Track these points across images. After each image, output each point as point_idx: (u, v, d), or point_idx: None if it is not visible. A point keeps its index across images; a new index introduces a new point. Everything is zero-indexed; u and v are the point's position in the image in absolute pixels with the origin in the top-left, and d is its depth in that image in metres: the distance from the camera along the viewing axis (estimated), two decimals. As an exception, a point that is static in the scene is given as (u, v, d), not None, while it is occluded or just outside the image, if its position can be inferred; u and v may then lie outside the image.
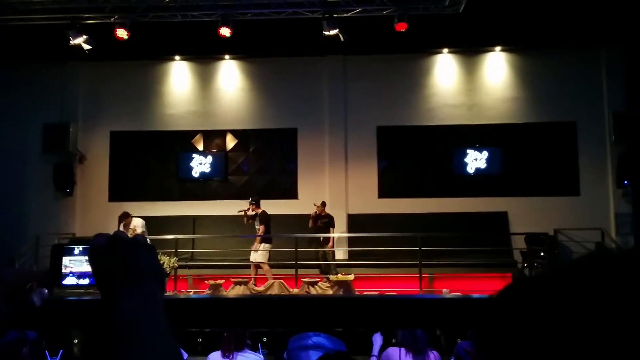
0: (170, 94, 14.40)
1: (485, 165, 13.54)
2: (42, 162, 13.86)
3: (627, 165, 12.87)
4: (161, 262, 9.94)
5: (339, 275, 10.95)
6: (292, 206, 13.32)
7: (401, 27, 11.50)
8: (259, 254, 11.22)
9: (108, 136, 14.29)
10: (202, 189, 14.09)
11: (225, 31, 11.67)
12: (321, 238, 11.92)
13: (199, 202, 13.78)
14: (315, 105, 13.98)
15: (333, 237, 11.92)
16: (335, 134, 13.87)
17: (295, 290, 10.77)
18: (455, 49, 13.92)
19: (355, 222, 13.42)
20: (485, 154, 13.55)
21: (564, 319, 0.48)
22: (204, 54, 14.13)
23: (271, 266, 11.42)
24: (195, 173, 14.04)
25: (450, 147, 13.62)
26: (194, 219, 13.57)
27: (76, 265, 1.01)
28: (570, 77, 13.49)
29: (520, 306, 0.52)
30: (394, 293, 10.93)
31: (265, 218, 11.37)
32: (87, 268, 0.93)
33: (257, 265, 11.34)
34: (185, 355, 4.76)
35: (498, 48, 13.91)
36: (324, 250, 11.90)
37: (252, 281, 11.18)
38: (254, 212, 11.38)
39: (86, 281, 1.00)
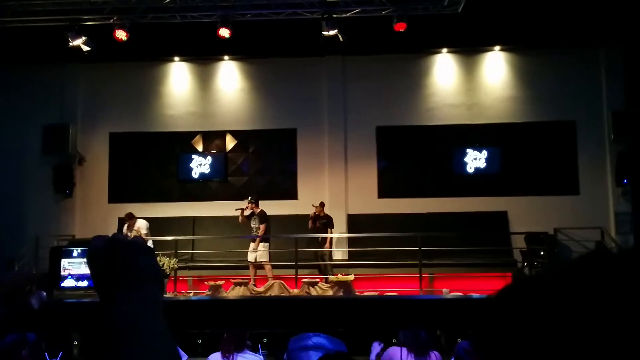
0: (169, 95, 14.40)
1: (485, 164, 13.54)
2: (41, 164, 13.86)
3: (627, 164, 12.89)
4: (161, 263, 9.96)
5: (339, 275, 10.95)
6: (292, 206, 13.33)
7: (400, 27, 11.51)
8: (260, 253, 11.23)
9: (107, 137, 14.29)
10: (202, 189, 14.09)
11: (224, 32, 11.66)
12: (319, 239, 11.92)
13: (198, 203, 13.78)
14: (314, 106, 13.98)
15: (330, 238, 11.92)
16: (335, 134, 13.88)
17: (296, 291, 10.77)
18: (455, 49, 13.92)
19: (355, 222, 13.42)
20: (484, 153, 13.55)
21: (563, 318, 0.48)
22: (204, 55, 14.13)
23: (271, 267, 11.44)
24: (195, 174, 14.04)
25: (449, 147, 13.63)
26: (194, 220, 13.57)
27: (75, 268, 1.01)
28: (569, 77, 13.50)
29: (519, 306, 0.52)
30: (394, 293, 10.94)
31: (265, 217, 11.37)
32: (86, 270, 0.92)
33: (256, 266, 11.34)
34: (185, 357, 4.76)
35: (497, 48, 13.91)
36: (322, 251, 11.90)
37: (251, 282, 11.18)
38: (250, 211, 11.36)
39: (85, 283, 0.99)
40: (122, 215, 12.21)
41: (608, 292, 0.47)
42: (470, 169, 13.57)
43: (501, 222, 13.29)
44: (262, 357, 5.04)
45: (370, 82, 13.83)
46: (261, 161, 14.15)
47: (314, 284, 10.77)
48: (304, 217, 12.02)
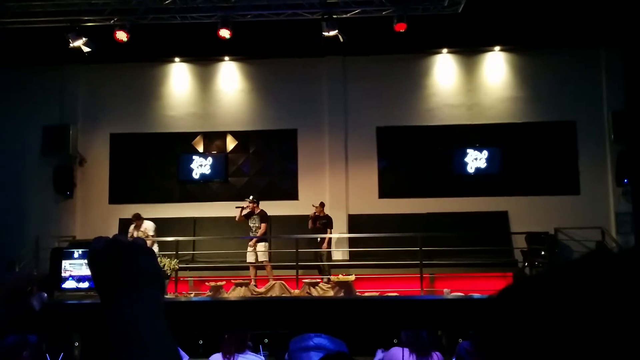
0: (170, 96, 14.41)
1: (485, 164, 13.54)
2: (42, 165, 13.86)
3: (627, 163, 12.89)
4: (161, 264, 9.96)
5: (340, 276, 10.95)
6: (292, 207, 13.33)
7: (400, 27, 11.51)
8: (261, 254, 11.23)
9: (108, 138, 14.29)
10: (203, 190, 14.09)
11: (224, 33, 11.67)
12: (318, 239, 11.93)
13: (199, 204, 13.78)
14: (315, 106, 13.98)
15: (329, 239, 11.92)
16: (335, 135, 13.88)
17: (296, 292, 10.77)
18: (455, 49, 13.92)
19: (355, 222, 13.42)
20: (485, 153, 13.55)
21: (564, 318, 0.48)
22: (204, 56, 14.14)
23: (272, 267, 11.45)
24: (196, 175, 14.04)
25: (450, 147, 13.63)
26: (195, 221, 13.58)
27: (76, 269, 1.01)
28: (569, 77, 13.50)
29: (520, 306, 0.52)
30: (395, 293, 10.93)
31: (266, 217, 11.38)
32: (87, 271, 0.92)
33: (257, 266, 11.34)
34: (186, 358, 4.75)
35: (497, 48, 13.92)
36: (320, 252, 11.91)
37: (252, 282, 11.18)
38: (249, 210, 11.34)
39: (86, 284, 0.99)
40: (123, 216, 12.21)
41: (609, 292, 0.47)
42: (470, 169, 13.57)
43: (502, 222, 13.29)
44: (263, 357, 5.05)
45: (371, 82, 13.83)
46: (262, 162, 14.15)
47: (314, 285, 10.78)
48: (305, 218, 12.02)
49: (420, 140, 13.74)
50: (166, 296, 0.87)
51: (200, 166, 14.04)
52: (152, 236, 11.28)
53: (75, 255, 1.01)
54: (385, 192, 13.72)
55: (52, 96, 14.11)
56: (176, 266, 11.01)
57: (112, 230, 12.99)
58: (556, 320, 0.48)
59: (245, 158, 14.21)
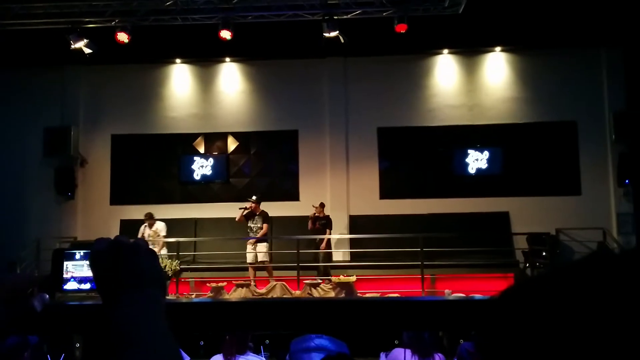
0: (171, 97, 14.41)
1: (486, 165, 13.54)
2: (43, 166, 13.87)
3: (628, 164, 12.88)
4: (162, 265, 9.96)
5: (341, 277, 10.95)
6: (293, 208, 13.32)
7: (401, 28, 11.51)
8: (262, 254, 11.24)
9: (109, 139, 14.30)
10: (204, 191, 14.09)
11: (225, 34, 11.67)
12: (317, 239, 11.93)
13: (200, 205, 13.78)
14: (315, 107, 13.99)
15: (328, 239, 11.92)
16: (336, 136, 13.88)
17: (297, 293, 10.77)
18: (456, 50, 13.92)
19: (356, 223, 13.41)
20: (486, 154, 13.55)
21: (566, 319, 0.48)
22: (205, 57, 14.14)
23: (273, 268, 11.46)
24: (197, 176, 14.05)
25: (451, 148, 13.63)
26: (196, 222, 13.58)
27: (77, 270, 1.01)
28: (570, 77, 13.49)
29: (522, 307, 0.52)
30: (396, 294, 10.93)
31: (268, 217, 11.39)
32: (89, 273, 0.93)
33: (257, 267, 11.34)
34: (187, 359, 4.75)
35: (498, 48, 13.91)
36: (318, 252, 11.92)
37: (252, 283, 11.17)
38: (249, 210, 11.35)
39: (87, 286, 1.00)
40: (124, 217, 12.22)
41: (611, 293, 0.47)
42: (471, 169, 13.57)
43: (503, 223, 13.28)
44: (264, 358, 5.05)
45: (372, 83, 13.83)
46: (263, 162, 14.16)
47: (315, 286, 10.77)
48: (306, 218, 12.02)
49: (421, 140, 13.74)
50: (167, 297, 0.86)
51: (201, 167, 14.04)
52: (164, 236, 11.53)
53: (77, 256, 1.01)
54: (386, 192, 13.72)
55: (53, 97, 14.12)
56: (177, 267, 11.02)
57: (114, 232, 13.00)
58: (558, 321, 0.48)
59: (246, 159, 14.21)
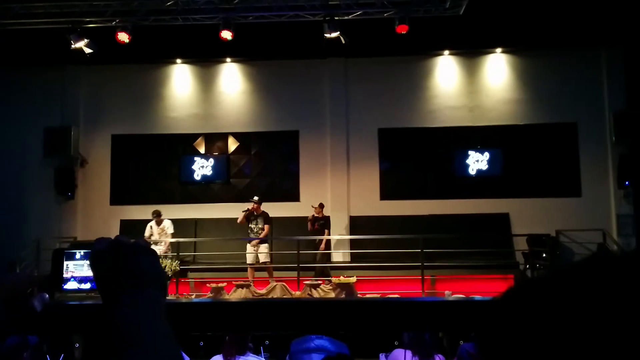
0: (171, 97, 14.41)
1: (487, 166, 13.54)
2: (43, 166, 13.87)
3: (628, 165, 12.87)
4: (162, 265, 9.96)
5: (341, 277, 10.95)
6: (293, 208, 13.32)
7: (402, 29, 11.51)
8: (264, 255, 11.26)
9: (109, 139, 14.30)
10: (204, 191, 14.09)
11: (226, 34, 11.68)
12: (316, 240, 11.94)
13: (200, 205, 13.78)
14: (316, 108, 13.99)
15: (326, 240, 11.92)
16: (337, 136, 13.88)
17: (297, 293, 10.77)
18: (456, 51, 13.93)
19: (357, 224, 13.41)
20: (486, 155, 13.55)
21: (566, 321, 0.48)
22: (206, 57, 14.14)
23: (273, 269, 11.47)
24: (197, 176, 14.04)
25: (451, 149, 13.63)
26: (196, 222, 13.57)
27: (78, 270, 1.01)
28: (570, 78, 13.49)
29: (522, 309, 0.52)
30: (396, 295, 10.93)
31: (269, 218, 11.41)
32: (89, 272, 0.93)
33: (257, 268, 11.35)
34: (187, 359, 4.75)
35: (499, 50, 13.91)
36: (316, 253, 11.92)
37: (252, 284, 11.18)
38: (248, 211, 11.36)
39: (88, 285, 1.00)
40: (124, 218, 12.20)
41: (611, 295, 0.47)
42: (472, 170, 13.57)
43: (503, 224, 13.28)
44: (264, 359, 5.04)
45: (372, 84, 13.83)
46: (263, 163, 14.15)
47: (316, 286, 10.77)
48: (306, 219, 12.04)
49: (422, 141, 13.74)
50: (167, 298, 0.86)
51: (202, 167, 14.04)
52: (172, 234, 11.69)
53: (77, 256, 1.01)
54: (386, 193, 13.72)
55: (53, 97, 14.13)
56: (177, 267, 11.02)
57: (114, 232, 13.00)
58: (558, 322, 0.48)
59: (247, 159, 14.21)
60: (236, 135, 14.21)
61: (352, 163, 13.82)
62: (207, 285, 11.13)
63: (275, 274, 11.46)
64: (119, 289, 0.78)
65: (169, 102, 14.38)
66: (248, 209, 11.35)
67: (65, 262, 1.01)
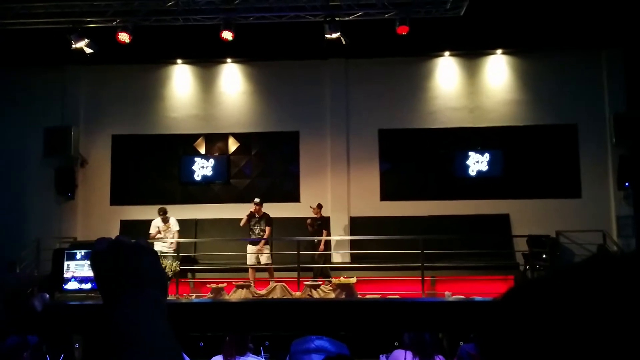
0: (172, 98, 14.41)
1: (487, 167, 13.54)
2: (43, 166, 13.87)
3: (628, 167, 12.87)
4: (163, 265, 9.97)
5: (342, 278, 10.95)
6: (294, 209, 13.31)
7: (403, 30, 11.52)
8: (266, 256, 11.27)
9: (110, 140, 14.30)
10: (204, 192, 14.09)
11: (227, 35, 11.68)
12: (316, 241, 11.94)
13: (200, 206, 13.78)
14: (317, 109, 13.99)
15: (325, 241, 11.92)
16: (337, 137, 13.88)
17: (298, 294, 10.77)
18: (457, 52, 13.93)
19: (357, 224, 13.40)
20: (486, 156, 13.55)
21: (566, 322, 0.48)
22: (206, 58, 14.15)
23: (273, 269, 11.47)
24: (197, 176, 14.04)
25: (451, 150, 13.63)
26: (196, 223, 13.57)
27: (79, 270, 1.01)
28: (570, 79, 13.50)
29: (523, 309, 0.52)
30: (396, 296, 10.92)
31: (270, 220, 11.42)
32: (90, 272, 0.93)
33: (259, 269, 11.36)
34: None
35: (499, 51, 13.91)
36: (314, 254, 11.93)
37: (252, 284, 11.18)
38: (252, 212, 11.37)
39: (88, 286, 1.00)
40: (124, 218, 12.17)
41: (611, 296, 0.47)
42: (472, 171, 13.57)
43: (503, 225, 13.28)
44: None
45: (373, 85, 13.83)
46: (263, 164, 14.15)
47: (316, 287, 10.77)
48: (306, 220, 12.04)
49: (422, 142, 13.74)
50: (167, 298, 0.86)
51: (202, 168, 14.04)
52: (177, 231, 11.79)
53: (78, 256, 1.01)
54: (387, 194, 13.72)
55: (53, 97, 14.13)
56: (177, 268, 11.02)
57: (114, 232, 12.99)
58: (559, 323, 0.48)
59: (247, 160, 14.21)
60: (236, 136, 14.21)
61: (352, 164, 13.82)
62: (207, 285, 11.13)
63: (276, 274, 11.47)
64: (119, 289, 0.78)
65: (169, 102, 14.38)
66: (251, 211, 11.38)
67: (66, 262, 1.01)
